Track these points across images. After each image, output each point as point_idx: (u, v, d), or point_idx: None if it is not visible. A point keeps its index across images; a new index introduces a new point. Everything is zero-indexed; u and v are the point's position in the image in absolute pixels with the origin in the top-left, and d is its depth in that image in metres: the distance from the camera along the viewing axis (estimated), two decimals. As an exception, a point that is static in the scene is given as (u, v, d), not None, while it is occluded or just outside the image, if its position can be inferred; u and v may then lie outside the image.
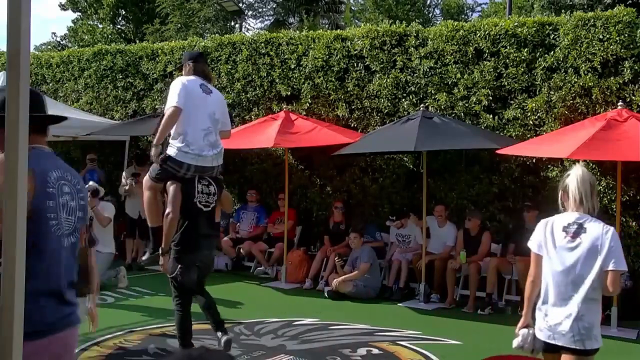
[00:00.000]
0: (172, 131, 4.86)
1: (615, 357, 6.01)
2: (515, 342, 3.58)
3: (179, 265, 4.85)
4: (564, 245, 3.40)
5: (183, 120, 4.82)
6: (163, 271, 5.02)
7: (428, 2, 29.05)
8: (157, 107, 10.75)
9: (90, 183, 8.38)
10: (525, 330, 3.55)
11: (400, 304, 7.82)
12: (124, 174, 9.92)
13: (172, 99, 4.82)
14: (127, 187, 9.68)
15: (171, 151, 4.84)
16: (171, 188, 4.85)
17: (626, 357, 6.05)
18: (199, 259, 4.94)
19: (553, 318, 3.38)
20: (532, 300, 3.55)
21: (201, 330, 5.71)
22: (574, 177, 3.46)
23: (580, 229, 3.38)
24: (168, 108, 4.82)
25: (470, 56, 8.29)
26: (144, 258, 5.51)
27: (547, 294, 3.44)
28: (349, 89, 9.12)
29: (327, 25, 24.02)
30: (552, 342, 3.38)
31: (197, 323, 5.42)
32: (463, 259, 7.74)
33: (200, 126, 4.89)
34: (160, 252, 4.90)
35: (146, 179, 5.10)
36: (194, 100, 4.87)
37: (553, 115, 7.80)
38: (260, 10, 28.25)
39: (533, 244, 3.57)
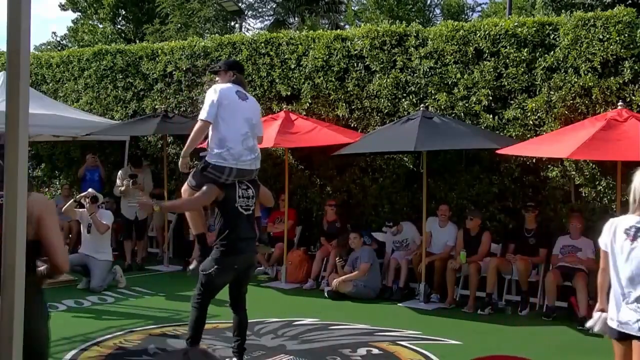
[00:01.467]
0: (212, 137, 4.92)
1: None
2: (589, 323, 3.91)
3: (216, 266, 4.88)
4: (624, 247, 3.68)
5: (222, 126, 4.88)
6: (139, 206, 5.05)
7: (428, 2, 29.04)
8: (157, 107, 10.75)
9: (89, 190, 8.38)
10: (598, 314, 3.84)
11: (400, 304, 7.81)
12: (119, 174, 9.92)
13: (204, 111, 4.90)
14: (122, 188, 9.67)
15: (212, 158, 4.88)
16: (206, 187, 4.90)
17: (626, 357, 6.04)
18: (237, 261, 4.98)
19: (621, 311, 3.65)
20: (605, 287, 3.85)
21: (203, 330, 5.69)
22: (636, 179, 3.79)
23: (638, 232, 3.64)
24: (198, 120, 4.91)
25: (470, 56, 8.29)
26: (191, 268, 5.42)
27: (615, 289, 3.71)
28: (349, 89, 9.12)
29: (327, 25, 24.02)
30: (623, 330, 3.65)
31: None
32: (463, 259, 7.73)
33: (240, 131, 4.95)
34: (156, 203, 4.99)
35: (185, 188, 5.13)
36: (231, 106, 4.94)
37: (553, 115, 7.80)
38: (260, 10, 28.27)
39: (602, 242, 3.86)
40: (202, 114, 4.89)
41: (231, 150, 4.86)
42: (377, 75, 8.90)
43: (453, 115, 8.32)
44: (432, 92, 8.53)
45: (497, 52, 8.14)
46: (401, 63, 8.74)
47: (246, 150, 4.95)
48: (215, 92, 4.95)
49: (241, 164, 4.91)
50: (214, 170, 4.86)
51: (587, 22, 7.61)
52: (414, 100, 8.65)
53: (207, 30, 24.05)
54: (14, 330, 1.58)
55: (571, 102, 7.67)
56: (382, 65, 8.87)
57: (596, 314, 3.86)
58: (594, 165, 7.68)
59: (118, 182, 9.80)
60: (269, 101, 9.82)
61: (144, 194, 9.76)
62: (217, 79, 5.30)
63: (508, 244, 7.96)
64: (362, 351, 5.80)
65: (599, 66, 7.49)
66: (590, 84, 7.53)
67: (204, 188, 4.90)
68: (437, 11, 30.02)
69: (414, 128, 7.32)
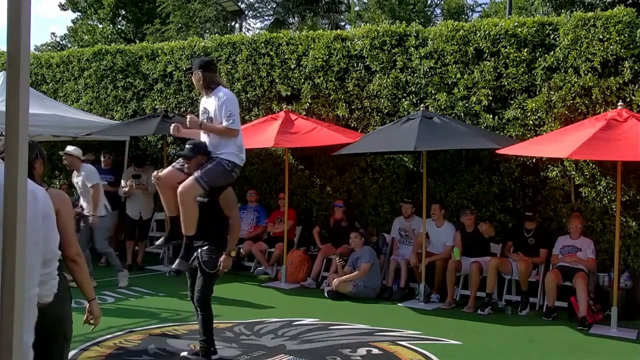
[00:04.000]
0: (231, 142, 5.27)
1: (615, 357, 6.01)
2: None
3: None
4: None
5: (240, 134, 5.37)
6: (223, 270, 5.29)
7: (429, 2, 29.04)
8: (157, 107, 10.74)
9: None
10: None
11: (400, 304, 7.81)
12: (123, 175, 9.92)
13: (236, 122, 5.27)
14: (126, 189, 9.68)
15: (236, 159, 5.25)
16: (230, 196, 5.35)
17: (626, 357, 6.05)
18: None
19: None
20: None
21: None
22: None
23: None
24: (233, 129, 5.23)
25: (470, 56, 8.28)
26: (174, 268, 5.55)
27: None
28: (349, 89, 9.12)
29: (327, 25, 24.03)
30: None
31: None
32: (457, 256, 7.76)
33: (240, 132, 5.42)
34: (228, 253, 5.26)
35: (191, 190, 5.07)
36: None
37: (553, 115, 7.80)
38: (260, 10, 28.29)
39: None
40: (236, 124, 5.25)
41: (244, 152, 5.37)
42: (377, 75, 8.90)
43: (453, 115, 8.32)
44: (432, 92, 8.53)
45: (497, 52, 8.14)
46: (401, 63, 8.74)
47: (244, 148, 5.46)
48: (234, 100, 5.39)
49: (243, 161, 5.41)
50: (237, 170, 5.28)
51: (587, 22, 7.61)
52: (414, 100, 8.65)
53: (207, 30, 24.06)
54: (14, 331, 1.58)
55: (571, 102, 7.67)
56: (382, 65, 8.87)
57: None
58: (594, 165, 7.68)
59: (122, 182, 9.81)
60: (269, 101, 9.82)
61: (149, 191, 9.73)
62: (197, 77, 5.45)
63: (507, 244, 7.96)
64: (362, 351, 5.80)
65: (599, 66, 7.49)
66: (590, 84, 7.53)
67: (232, 202, 5.36)
68: (438, 11, 30.04)
69: (414, 128, 7.32)
